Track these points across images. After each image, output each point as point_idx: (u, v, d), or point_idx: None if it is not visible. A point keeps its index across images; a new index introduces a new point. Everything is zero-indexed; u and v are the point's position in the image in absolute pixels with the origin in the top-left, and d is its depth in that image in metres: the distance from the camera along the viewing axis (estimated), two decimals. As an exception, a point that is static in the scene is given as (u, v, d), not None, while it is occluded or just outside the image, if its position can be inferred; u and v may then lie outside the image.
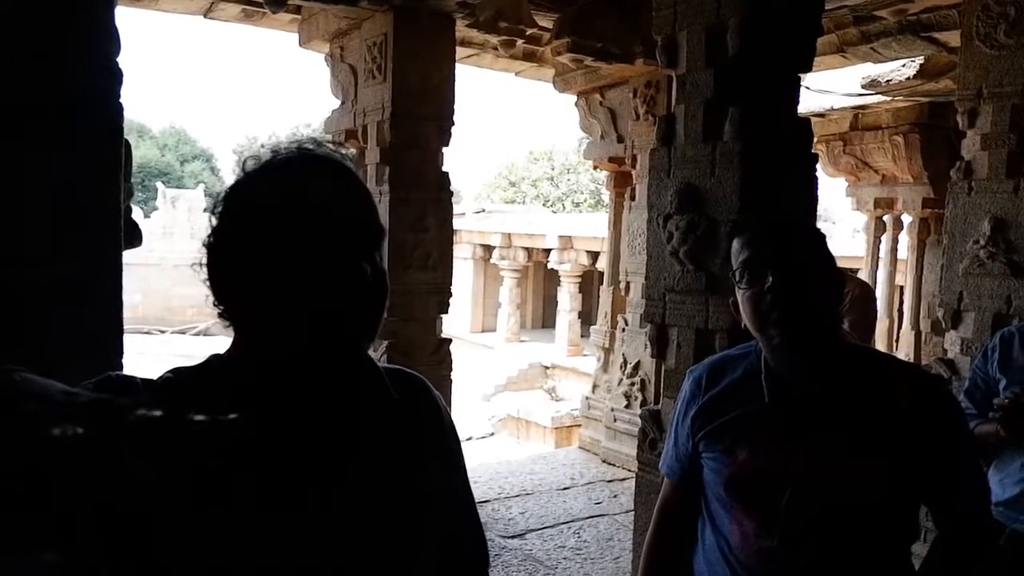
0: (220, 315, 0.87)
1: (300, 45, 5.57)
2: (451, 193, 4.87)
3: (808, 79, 6.01)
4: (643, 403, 6.03)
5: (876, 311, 4.71)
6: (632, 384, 6.23)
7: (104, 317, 1.81)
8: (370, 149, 4.79)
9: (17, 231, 1.68)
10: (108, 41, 1.83)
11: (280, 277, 0.81)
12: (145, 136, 35.10)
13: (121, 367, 1.83)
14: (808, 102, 6.49)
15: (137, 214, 21.57)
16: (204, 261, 0.85)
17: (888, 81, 6.20)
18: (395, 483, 0.92)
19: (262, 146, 0.89)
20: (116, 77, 1.85)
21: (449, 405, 5.00)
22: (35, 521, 0.64)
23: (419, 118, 4.63)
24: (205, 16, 5.56)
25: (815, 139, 3.22)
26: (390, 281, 0.92)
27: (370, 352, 0.97)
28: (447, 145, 4.79)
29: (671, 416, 1.57)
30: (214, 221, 0.86)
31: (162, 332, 19.67)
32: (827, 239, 1.45)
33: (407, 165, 4.62)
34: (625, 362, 6.33)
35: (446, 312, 4.89)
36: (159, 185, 23.34)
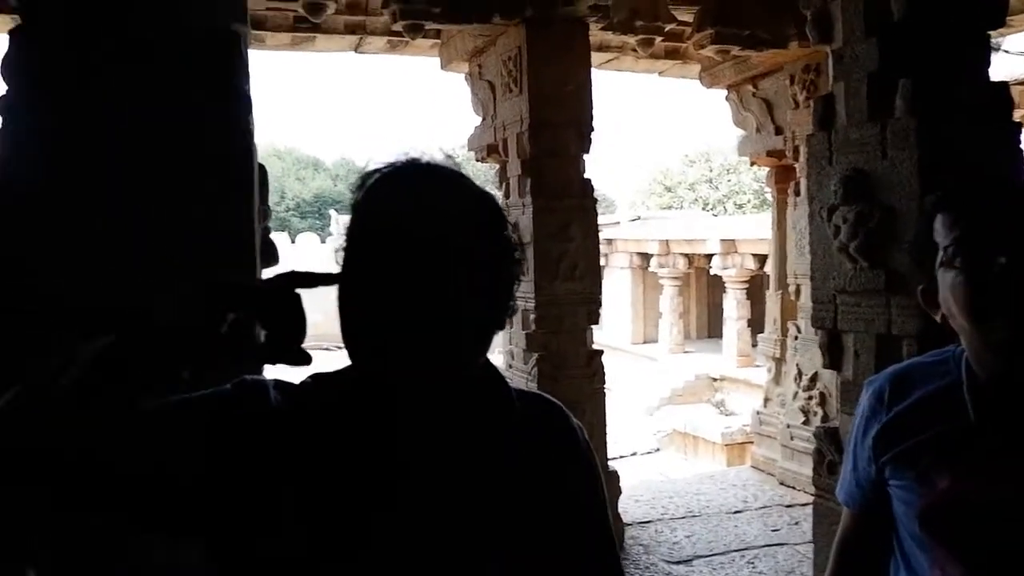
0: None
1: (442, 68, 5.73)
2: (595, 200, 4.72)
3: (1007, 41, 5.26)
4: (823, 419, 5.50)
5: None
6: (809, 398, 5.72)
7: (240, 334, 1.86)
8: (511, 161, 4.75)
9: (154, 254, 1.78)
10: (238, 69, 1.90)
11: (369, 288, 0.82)
12: (320, 169, 38.25)
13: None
14: (1009, 67, 5.68)
15: (314, 239, 23.39)
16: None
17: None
18: (482, 502, 0.87)
19: (380, 162, 0.91)
20: (245, 103, 1.93)
21: (604, 419, 4.81)
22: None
23: (557, 126, 4.53)
24: (355, 51, 5.87)
25: (1017, 108, 2.73)
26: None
27: (508, 367, 0.90)
28: (587, 152, 4.66)
29: (849, 435, 1.32)
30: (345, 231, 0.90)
31: (339, 348, 21.05)
32: None
33: (548, 174, 4.53)
34: (800, 373, 5.83)
35: (596, 323, 4.73)
36: (332, 212, 25.09)
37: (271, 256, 2.16)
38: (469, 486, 0.87)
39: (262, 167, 2.08)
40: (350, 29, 5.48)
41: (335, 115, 75.91)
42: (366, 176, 0.89)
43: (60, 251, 1.80)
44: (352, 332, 0.85)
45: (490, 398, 0.92)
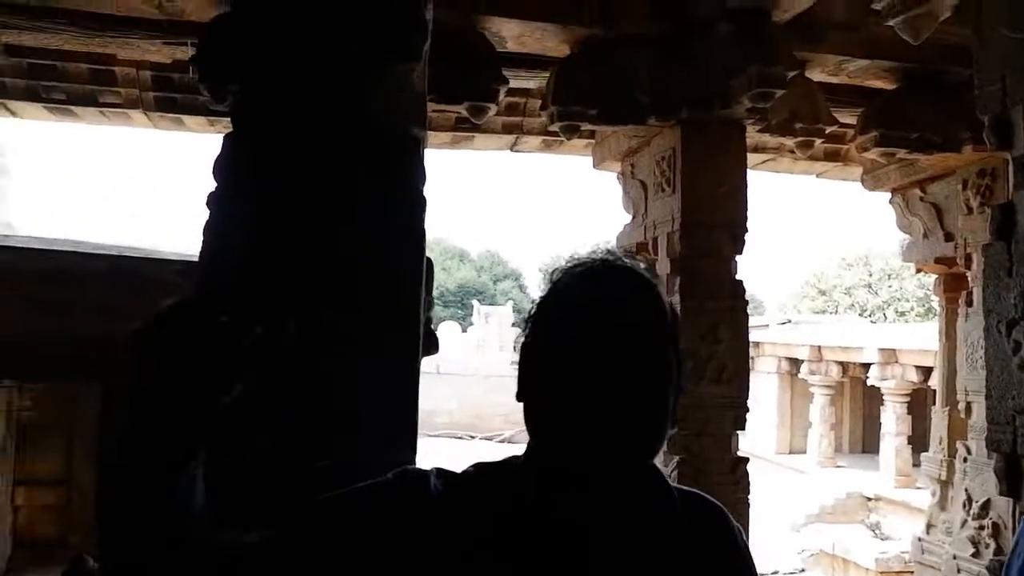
0: (525, 415, 0.90)
1: (594, 167, 5.91)
2: (746, 302, 4.63)
3: None
4: (996, 552, 4.93)
5: None
6: (980, 527, 5.15)
7: (404, 412, 1.98)
8: (660, 260, 4.78)
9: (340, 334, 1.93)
10: (418, 172, 2.09)
11: (570, 379, 0.83)
12: (465, 260, 39.52)
13: (414, 462, 1.95)
14: None
15: (455, 328, 24.00)
16: (517, 360, 0.92)
17: None
18: None
19: (569, 259, 0.95)
20: (421, 206, 2.10)
21: (746, 531, 4.60)
22: None
23: (710, 227, 4.53)
24: (511, 150, 6.20)
25: None
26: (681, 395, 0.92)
27: (660, 467, 0.95)
28: (740, 253, 4.60)
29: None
30: (529, 324, 0.92)
31: (472, 438, 21.20)
32: None
33: (698, 275, 4.51)
34: (969, 499, 5.28)
35: (742, 428, 4.56)
36: (475, 303, 25.87)
37: (432, 345, 2.29)
38: None
39: (429, 260, 2.20)
40: (507, 129, 5.80)
41: (485, 209, 79.05)
42: (565, 269, 0.93)
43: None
44: (546, 419, 0.87)
45: (659, 496, 0.93)
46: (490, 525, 0.84)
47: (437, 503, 0.86)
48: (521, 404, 0.90)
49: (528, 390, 0.89)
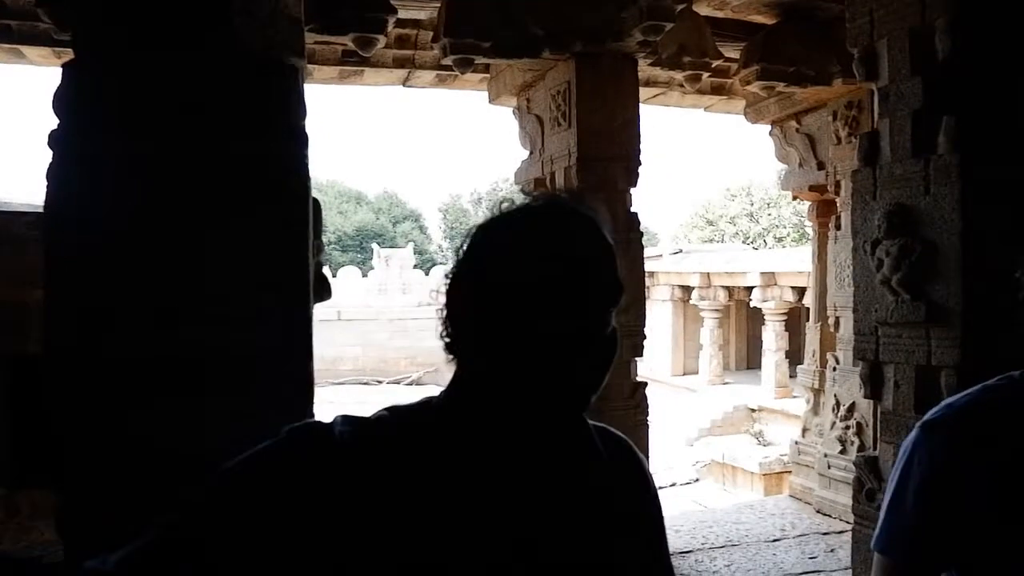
0: (447, 348, 0.86)
1: (490, 102, 5.86)
2: (641, 234, 4.80)
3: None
4: (860, 448, 5.48)
5: None
6: (847, 428, 5.71)
7: (297, 363, 1.92)
8: (557, 195, 4.86)
9: (213, 293, 1.81)
10: (296, 104, 1.95)
11: (521, 320, 0.80)
12: (362, 202, 38.28)
13: (312, 415, 1.89)
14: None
15: (355, 273, 23.55)
16: (444, 289, 0.86)
17: None
18: (587, 550, 0.87)
19: (517, 194, 0.90)
20: (302, 141, 1.96)
21: (647, 451, 4.86)
22: None
23: (605, 161, 4.63)
24: (404, 85, 6.04)
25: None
26: None
27: None
28: (635, 186, 4.74)
29: (889, 482, 1.20)
30: (461, 252, 0.86)
31: (379, 382, 21.18)
32: None
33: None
34: (838, 404, 5.82)
35: (640, 355, 4.79)
36: (375, 246, 25.42)
37: (324, 290, 2.22)
38: (570, 521, 0.86)
39: (316, 201, 2.07)
40: (399, 63, 5.55)
41: (379, 149, 76.44)
42: (511, 201, 0.87)
43: (126, 289, 1.78)
44: (492, 358, 0.82)
45: (583, 437, 0.93)
46: (410, 470, 0.80)
47: (344, 452, 0.80)
48: (446, 340, 0.86)
49: (464, 327, 0.84)
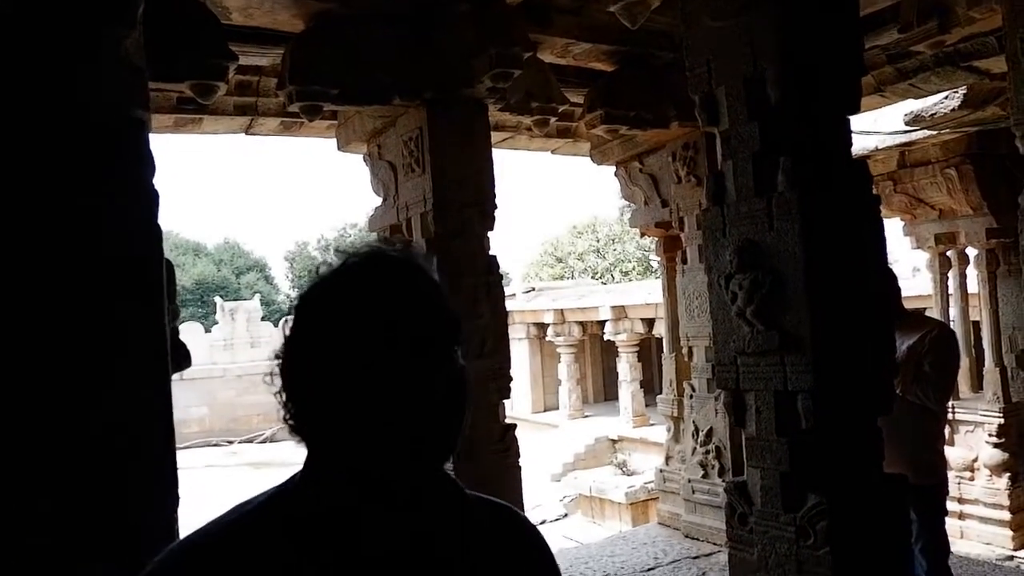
0: (291, 430, 0.84)
1: (339, 149, 5.72)
2: (500, 277, 4.82)
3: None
4: (720, 472, 5.73)
5: (959, 353, 4.41)
6: (707, 452, 5.95)
7: (157, 440, 1.75)
8: (415, 242, 4.78)
9: (66, 366, 1.64)
10: (142, 164, 1.82)
11: (348, 387, 0.78)
12: (202, 254, 36.46)
13: (176, 495, 1.76)
14: (857, 144, 6.35)
15: (198, 329, 22.16)
16: (276, 370, 0.83)
17: (933, 115, 6.05)
18: None
19: (336, 251, 0.87)
20: (153, 200, 1.82)
21: (519, 492, 4.79)
22: None
23: (461, 206, 4.62)
24: (246, 133, 5.78)
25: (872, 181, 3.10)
26: None
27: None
28: (492, 229, 4.76)
29: None
30: (287, 329, 0.84)
31: (230, 443, 19.94)
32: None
33: (454, 253, 4.59)
34: (697, 430, 6.07)
35: (507, 397, 4.76)
36: (217, 299, 24.10)
37: (183, 358, 2.05)
38: None
39: (168, 263, 1.95)
40: (240, 110, 5.33)
41: (220, 197, 73.60)
42: (329, 265, 0.85)
43: None
44: (335, 431, 0.80)
45: (452, 504, 0.89)
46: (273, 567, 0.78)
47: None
48: (290, 424, 0.83)
49: (300, 399, 0.82)
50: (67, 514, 1.57)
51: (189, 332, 21.48)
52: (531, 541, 0.96)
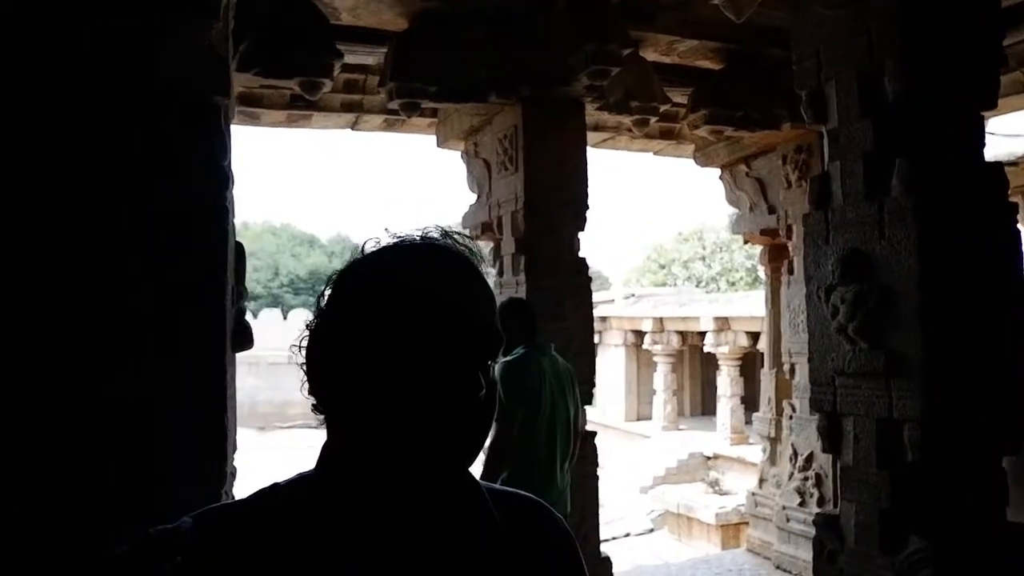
0: (313, 408, 0.79)
1: (438, 146, 5.78)
2: (589, 279, 4.69)
3: (991, 123, 5.38)
4: (820, 500, 5.35)
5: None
6: (805, 479, 5.57)
7: (207, 418, 1.75)
8: (505, 240, 4.73)
9: (123, 336, 1.68)
10: (216, 147, 1.84)
11: (377, 375, 0.72)
12: (315, 245, 38.50)
13: (223, 472, 1.74)
14: (994, 148, 5.79)
15: (306, 315, 23.30)
16: (303, 344, 0.79)
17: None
18: None
19: (385, 230, 0.82)
20: (223, 182, 1.85)
21: (596, 504, 4.65)
22: None
23: (552, 205, 4.54)
24: (352, 128, 5.92)
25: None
26: None
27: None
28: (582, 230, 4.65)
29: None
30: (321, 303, 0.79)
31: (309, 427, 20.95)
32: None
33: (542, 253, 4.51)
34: (795, 453, 5.70)
35: (590, 403, 4.62)
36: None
37: (244, 338, 2.06)
38: None
39: (239, 245, 2.01)
40: (346, 107, 5.51)
41: (331, 192, 76.94)
42: (377, 241, 0.80)
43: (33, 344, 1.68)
44: (355, 422, 0.75)
45: (473, 502, 0.84)
46: (278, 555, 0.74)
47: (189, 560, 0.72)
48: (312, 401, 0.78)
49: (325, 380, 0.77)
50: (89, 485, 1.61)
51: (299, 317, 22.68)
52: (554, 537, 0.89)
